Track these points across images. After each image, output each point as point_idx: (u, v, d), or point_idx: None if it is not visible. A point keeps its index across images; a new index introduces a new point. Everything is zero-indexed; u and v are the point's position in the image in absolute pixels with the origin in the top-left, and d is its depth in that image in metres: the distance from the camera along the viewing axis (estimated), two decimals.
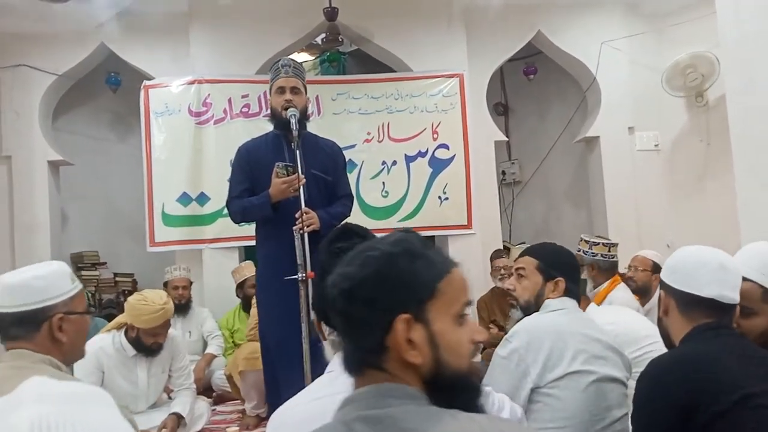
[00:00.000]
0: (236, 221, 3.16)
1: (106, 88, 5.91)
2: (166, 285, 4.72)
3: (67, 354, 1.61)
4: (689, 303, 1.56)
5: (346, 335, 0.96)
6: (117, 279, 5.93)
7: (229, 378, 4.14)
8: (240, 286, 4.73)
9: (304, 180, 2.81)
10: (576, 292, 2.07)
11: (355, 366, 0.95)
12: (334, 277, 0.95)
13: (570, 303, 2.02)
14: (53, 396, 0.59)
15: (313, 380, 1.36)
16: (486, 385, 1.51)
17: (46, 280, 1.59)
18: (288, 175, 2.79)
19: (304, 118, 3.01)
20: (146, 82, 5.20)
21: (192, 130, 5.14)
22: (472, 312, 4.84)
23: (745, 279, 1.74)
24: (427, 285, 0.93)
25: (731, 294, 1.55)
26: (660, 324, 1.70)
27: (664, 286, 1.64)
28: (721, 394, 1.37)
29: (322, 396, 1.20)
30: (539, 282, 2.06)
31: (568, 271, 2.06)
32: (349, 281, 0.92)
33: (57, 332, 1.57)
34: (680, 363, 1.47)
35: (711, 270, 1.56)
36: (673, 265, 1.63)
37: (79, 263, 5.83)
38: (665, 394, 1.43)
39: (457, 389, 0.93)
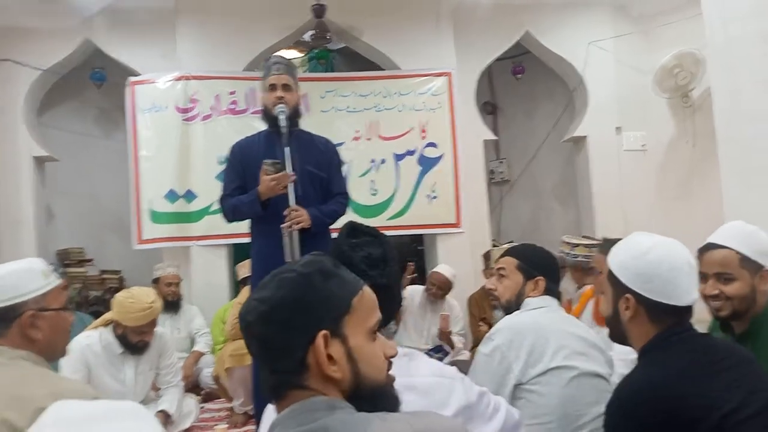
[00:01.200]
0: (228, 220, 3.15)
1: (92, 84, 5.85)
2: (155, 282, 4.67)
3: (44, 351, 1.58)
4: (664, 311, 1.48)
5: (264, 360, 0.97)
6: (103, 276, 5.87)
7: (216, 378, 4.12)
8: (243, 282, 4.70)
9: (294, 177, 2.81)
10: (556, 291, 2.10)
11: (276, 390, 0.97)
12: (248, 303, 0.97)
13: (551, 301, 2.05)
14: (69, 420, 0.61)
15: None
16: (480, 386, 1.52)
17: (14, 277, 1.57)
18: (276, 172, 2.78)
19: (296, 115, 3.00)
20: (132, 79, 5.16)
21: (179, 127, 5.10)
22: (462, 308, 4.87)
23: (722, 247, 1.86)
24: (342, 301, 0.97)
25: (697, 294, 1.52)
26: (615, 323, 1.58)
27: (630, 292, 1.50)
28: (699, 420, 1.32)
29: None
30: (520, 281, 2.10)
31: (548, 270, 2.10)
32: (266, 304, 0.95)
33: (29, 329, 1.55)
34: (652, 392, 1.38)
35: (686, 275, 1.48)
36: (646, 272, 1.48)
37: (65, 260, 5.77)
38: (640, 427, 1.36)
39: (376, 400, 0.97)
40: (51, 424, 0.60)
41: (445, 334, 4.46)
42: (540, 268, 2.09)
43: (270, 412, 1.29)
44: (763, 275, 1.88)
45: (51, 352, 1.63)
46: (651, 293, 1.48)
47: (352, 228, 1.40)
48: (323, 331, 0.94)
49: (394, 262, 1.39)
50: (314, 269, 0.98)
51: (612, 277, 1.55)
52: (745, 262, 1.86)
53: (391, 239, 1.43)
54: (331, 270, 0.99)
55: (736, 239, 1.89)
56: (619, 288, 1.53)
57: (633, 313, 1.51)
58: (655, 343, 1.49)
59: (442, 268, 4.74)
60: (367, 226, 1.42)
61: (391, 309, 1.36)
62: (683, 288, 1.47)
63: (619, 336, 1.59)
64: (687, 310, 1.50)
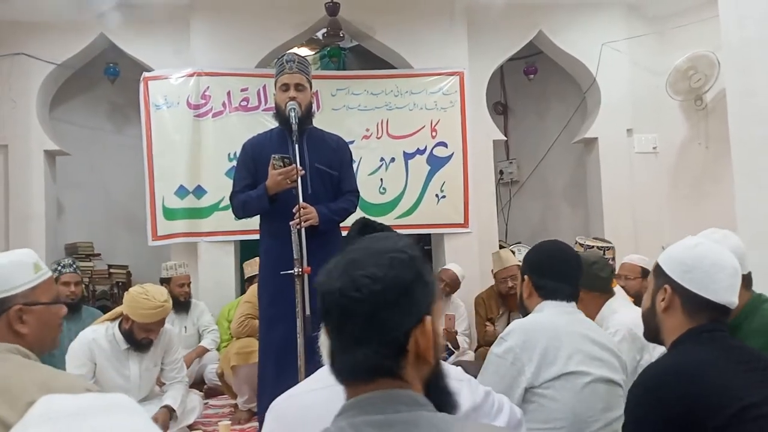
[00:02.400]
0: (238, 216, 3.15)
1: (105, 79, 5.88)
2: (165, 282, 4.55)
3: (32, 345, 1.53)
4: (699, 305, 1.50)
5: (364, 340, 0.92)
6: (111, 271, 5.90)
7: (221, 376, 4.12)
8: (249, 280, 4.69)
9: (303, 171, 2.80)
10: (556, 289, 1.98)
11: (365, 372, 0.93)
12: (355, 278, 0.92)
13: (563, 305, 1.98)
14: (56, 415, 0.60)
15: (307, 377, 1.34)
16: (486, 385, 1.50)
17: (2, 270, 1.52)
18: (284, 167, 2.77)
19: (308, 113, 2.99)
20: (145, 74, 5.17)
21: (190, 123, 5.11)
22: (469, 308, 4.85)
23: None
24: (434, 286, 0.97)
25: (736, 298, 1.52)
26: (650, 317, 1.60)
27: (669, 281, 1.53)
28: (720, 407, 1.32)
29: (324, 386, 1.18)
30: (520, 282, 2.10)
31: (536, 268, 2.02)
32: (379, 283, 0.90)
33: (16, 324, 1.51)
34: (676, 375, 1.40)
35: (728, 275, 1.50)
36: (687, 262, 1.52)
37: (74, 254, 5.80)
38: (662, 408, 1.38)
39: (444, 388, 0.97)
40: (36, 422, 0.59)
41: (450, 335, 4.44)
42: (529, 265, 2.05)
43: (276, 409, 1.26)
44: None
45: (39, 347, 1.57)
46: (689, 283, 1.50)
47: (365, 225, 1.37)
48: (428, 317, 0.93)
49: None
50: (418, 253, 0.96)
51: (657, 269, 1.59)
52: None
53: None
54: (422, 255, 0.99)
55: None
56: (660, 279, 1.57)
57: (668, 304, 1.53)
58: (686, 337, 1.50)
59: (453, 266, 4.76)
60: (380, 224, 1.39)
61: None
62: (721, 285, 1.49)
63: (652, 332, 1.62)
64: (723, 311, 1.51)
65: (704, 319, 1.50)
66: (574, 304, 2.01)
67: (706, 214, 5.16)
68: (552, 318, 1.94)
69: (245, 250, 5.17)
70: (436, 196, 5.37)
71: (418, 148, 5.38)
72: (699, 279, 1.50)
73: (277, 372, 2.82)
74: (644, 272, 3.65)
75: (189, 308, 4.70)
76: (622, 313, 2.60)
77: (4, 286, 1.51)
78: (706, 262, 1.50)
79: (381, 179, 5.35)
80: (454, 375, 1.41)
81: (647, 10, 5.64)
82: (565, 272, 2.01)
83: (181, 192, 5.09)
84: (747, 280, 2.06)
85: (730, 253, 1.55)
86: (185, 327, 4.67)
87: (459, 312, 4.72)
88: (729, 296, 1.50)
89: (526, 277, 2.04)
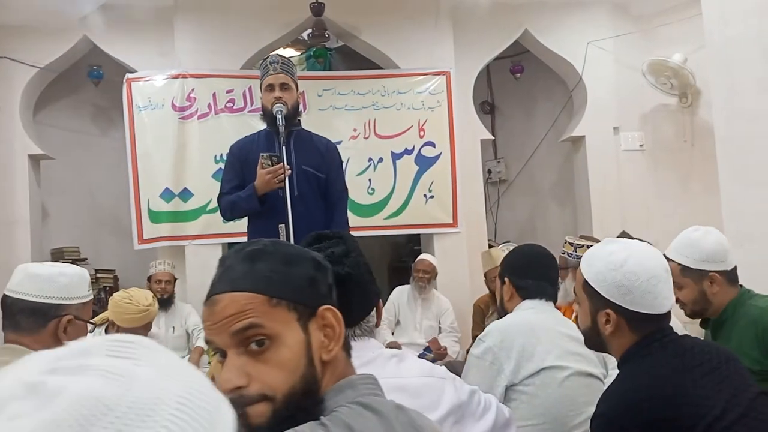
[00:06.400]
0: (226, 218, 3.12)
1: (89, 82, 5.82)
2: (149, 279, 4.65)
3: None
4: (643, 320, 1.47)
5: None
6: (98, 275, 5.83)
7: (212, 378, 4.09)
8: None
9: (290, 170, 2.78)
10: (536, 290, 2.03)
11: None
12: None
13: (540, 303, 2.02)
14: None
15: None
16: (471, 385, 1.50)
17: (70, 278, 1.62)
18: (272, 165, 2.76)
19: (295, 113, 2.98)
20: (129, 76, 5.13)
21: (175, 125, 5.07)
22: (460, 307, 4.86)
23: (669, 259, 1.96)
24: None
25: (673, 298, 1.52)
26: (594, 335, 1.55)
27: (610, 305, 1.48)
28: (685, 430, 1.32)
29: None
30: (499, 285, 2.14)
31: (515, 270, 2.08)
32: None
33: (61, 332, 1.58)
34: (637, 402, 1.37)
35: (663, 282, 1.47)
36: (624, 284, 1.46)
37: (60, 259, 5.73)
38: None
39: None
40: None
41: (439, 354, 4.48)
42: (507, 269, 2.10)
43: None
44: (712, 278, 2.04)
45: None
46: (631, 304, 1.46)
47: (318, 237, 1.41)
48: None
49: (357, 254, 1.38)
50: None
51: (589, 288, 1.52)
52: (686, 271, 2.05)
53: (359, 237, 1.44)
54: None
55: (677, 251, 2.08)
56: (596, 300, 1.51)
57: (614, 327, 1.49)
58: (635, 351, 1.48)
59: (425, 255, 4.89)
60: (333, 232, 1.44)
61: (363, 301, 1.34)
62: (662, 296, 1.47)
63: (597, 347, 1.61)
64: (666, 316, 1.50)
65: (650, 328, 1.48)
66: (552, 303, 2.07)
67: (692, 210, 5.19)
68: (528, 316, 1.98)
69: None
70: (425, 196, 5.37)
71: (406, 148, 5.38)
72: (641, 298, 1.46)
73: None
74: None
75: (170, 306, 4.68)
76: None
77: (68, 293, 1.61)
78: (643, 277, 1.45)
79: (369, 179, 5.34)
80: (438, 373, 1.41)
81: (632, 9, 5.67)
82: (546, 272, 2.10)
83: (167, 195, 5.05)
84: (732, 274, 2.08)
85: (654, 252, 1.52)
86: (173, 327, 4.66)
87: (443, 306, 4.77)
88: (670, 301, 1.49)
89: (506, 280, 2.08)
